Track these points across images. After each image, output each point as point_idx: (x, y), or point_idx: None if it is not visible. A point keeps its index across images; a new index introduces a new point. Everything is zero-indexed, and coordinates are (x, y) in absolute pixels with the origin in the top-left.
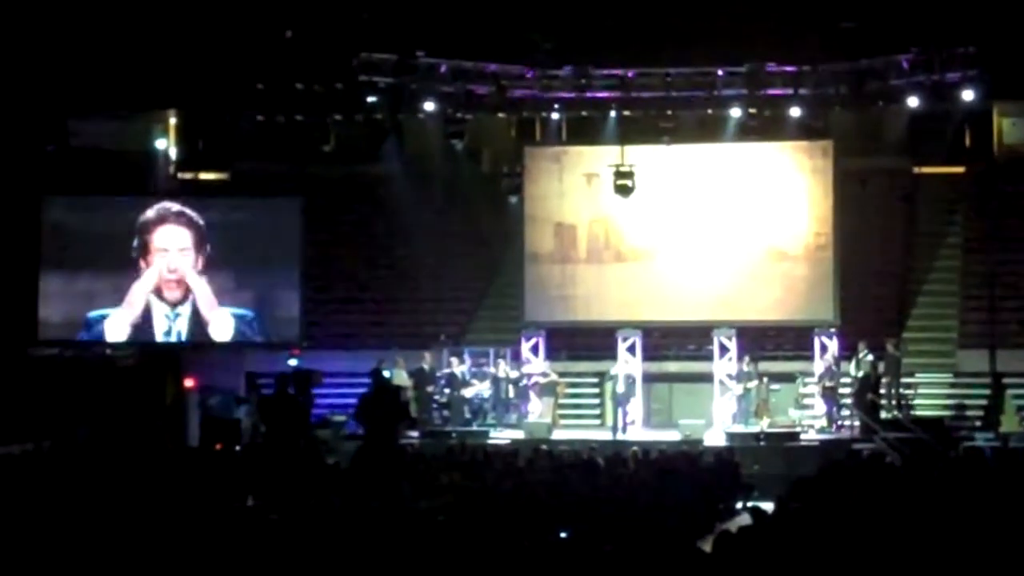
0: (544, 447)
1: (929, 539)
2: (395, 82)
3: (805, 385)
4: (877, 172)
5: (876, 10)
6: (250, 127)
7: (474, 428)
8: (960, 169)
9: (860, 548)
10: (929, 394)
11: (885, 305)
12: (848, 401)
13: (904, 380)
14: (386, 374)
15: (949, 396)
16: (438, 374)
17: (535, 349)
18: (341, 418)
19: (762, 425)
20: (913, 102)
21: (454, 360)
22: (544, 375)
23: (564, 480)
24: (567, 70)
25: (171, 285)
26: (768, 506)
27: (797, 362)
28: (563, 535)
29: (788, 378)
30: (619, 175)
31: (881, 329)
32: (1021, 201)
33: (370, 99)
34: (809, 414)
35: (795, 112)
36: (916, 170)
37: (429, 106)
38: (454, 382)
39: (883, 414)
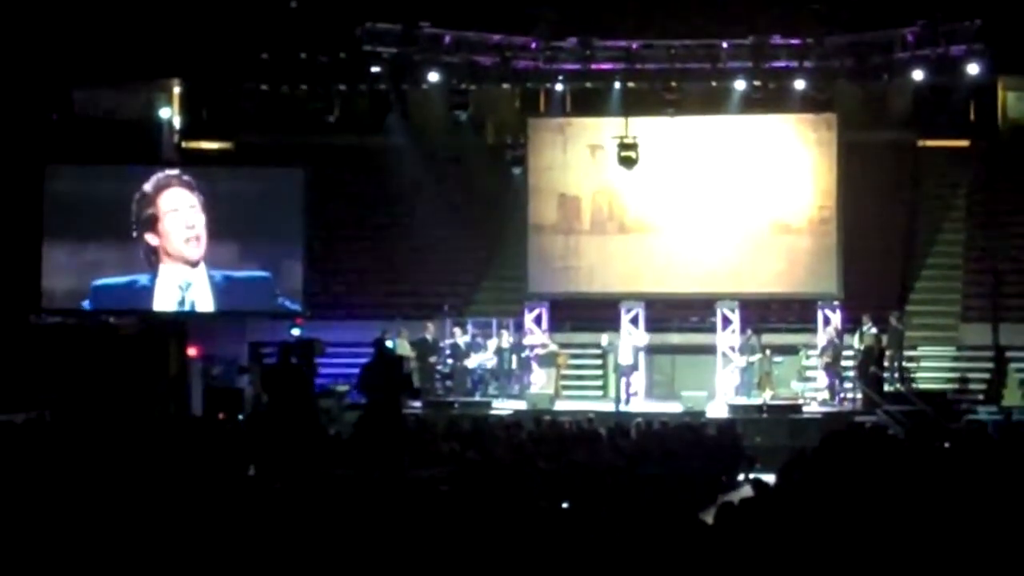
0: (547, 417)
1: (930, 511)
2: (399, 52)
3: (808, 358)
4: (881, 145)
5: None
6: (254, 97)
7: (476, 398)
8: (964, 143)
9: (860, 520)
10: (932, 367)
11: (888, 278)
12: (851, 374)
13: (907, 353)
14: (389, 344)
15: (952, 369)
16: (441, 344)
17: (538, 320)
18: (344, 388)
19: (765, 397)
20: (918, 75)
21: (457, 330)
22: (544, 346)
23: (566, 450)
24: (571, 41)
25: (192, 243)
26: (770, 478)
27: (800, 335)
28: (564, 505)
29: (791, 351)
30: (623, 147)
31: (884, 302)
32: None
33: (374, 69)
34: (812, 387)
35: (799, 85)
36: (920, 143)
37: (433, 77)
38: (457, 352)
39: (886, 387)
